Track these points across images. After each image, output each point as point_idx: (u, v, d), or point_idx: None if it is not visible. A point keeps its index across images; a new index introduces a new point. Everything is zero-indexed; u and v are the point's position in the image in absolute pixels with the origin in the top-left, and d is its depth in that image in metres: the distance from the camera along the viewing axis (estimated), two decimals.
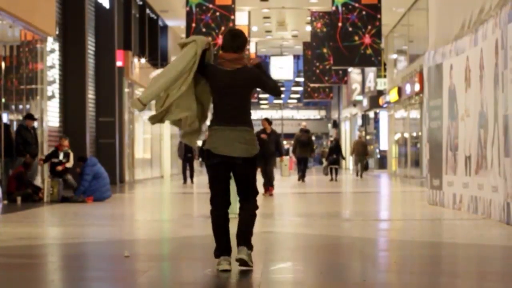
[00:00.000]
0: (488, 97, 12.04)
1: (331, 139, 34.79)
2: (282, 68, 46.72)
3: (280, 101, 65.46)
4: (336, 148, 31.11)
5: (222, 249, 6.97)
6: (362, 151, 32.42)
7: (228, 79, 7.02)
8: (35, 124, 18.50)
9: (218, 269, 6.90)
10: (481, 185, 12.50)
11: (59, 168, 18.29)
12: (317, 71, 33.14)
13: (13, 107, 18.60)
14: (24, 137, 17.46)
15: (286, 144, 57.78)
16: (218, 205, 7.01)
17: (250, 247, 6.98)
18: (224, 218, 7.02)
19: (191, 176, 27.66)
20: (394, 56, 38.08)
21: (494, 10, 11.97)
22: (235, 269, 6.97)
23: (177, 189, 23.98)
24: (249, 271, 6.95)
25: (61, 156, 18.43)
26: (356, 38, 23.75)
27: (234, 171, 7.00)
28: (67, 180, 18.12)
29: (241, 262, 6.93)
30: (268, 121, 19.74)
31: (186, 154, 27.67)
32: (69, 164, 18.53)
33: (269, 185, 18.93)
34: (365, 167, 33.99)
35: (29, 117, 17.81)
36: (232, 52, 7.07)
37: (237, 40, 7.06)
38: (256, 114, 54.99)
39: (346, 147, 52.12)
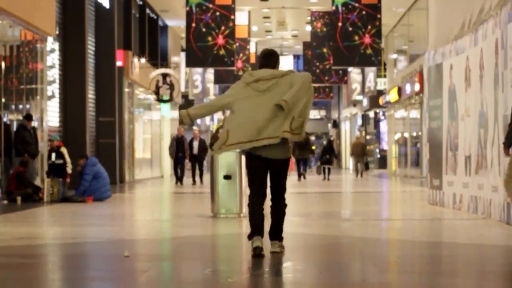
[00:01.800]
0: (488, 97, 12.04)
1: (331, 139, 34.93)
2: (282, 68, 46.66)
3: None
4: (329, 148, 31.48)
5: (256, 231, 7.80)
6: (361, 152, 32.63)
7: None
8: (35, 124, 18.45)
9: (252, 246, 7.69)
10: (481, 185, 12.49)
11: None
12: (317, 71, 33.10)
13: (13, 107, 18.59)
14: (23, 137, 17.44)
15: None
16: (257, 198, 7.93)
17: (281, 239, 8.07)
18: (261, 208, 7.92)
19: (181, 177, 26.95)
20: (394, 56, 38.08)
21: (494, 10, 11.97)
22: (234, 268, 6.97)
23: (177, 189, 23.96)
24: (250, 270, 6.96)
25: (53, 157, 18.28)
26: (356, 38, 23.74)
27: (271, 170, 7.97)
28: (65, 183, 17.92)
29: (275, 254, 7.84)
30: None
31: (177, 154, 26.90)
32: (69, 168, 18.20)
33: None
34: (366, 167, 34.12)
35: (27, 117, 17.80)
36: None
37: (270, 58, 8.18)
38: None
39: (346, 147, 52.13)
